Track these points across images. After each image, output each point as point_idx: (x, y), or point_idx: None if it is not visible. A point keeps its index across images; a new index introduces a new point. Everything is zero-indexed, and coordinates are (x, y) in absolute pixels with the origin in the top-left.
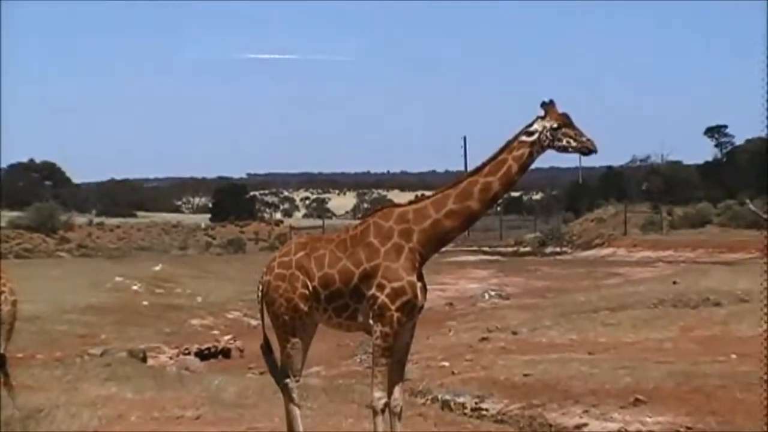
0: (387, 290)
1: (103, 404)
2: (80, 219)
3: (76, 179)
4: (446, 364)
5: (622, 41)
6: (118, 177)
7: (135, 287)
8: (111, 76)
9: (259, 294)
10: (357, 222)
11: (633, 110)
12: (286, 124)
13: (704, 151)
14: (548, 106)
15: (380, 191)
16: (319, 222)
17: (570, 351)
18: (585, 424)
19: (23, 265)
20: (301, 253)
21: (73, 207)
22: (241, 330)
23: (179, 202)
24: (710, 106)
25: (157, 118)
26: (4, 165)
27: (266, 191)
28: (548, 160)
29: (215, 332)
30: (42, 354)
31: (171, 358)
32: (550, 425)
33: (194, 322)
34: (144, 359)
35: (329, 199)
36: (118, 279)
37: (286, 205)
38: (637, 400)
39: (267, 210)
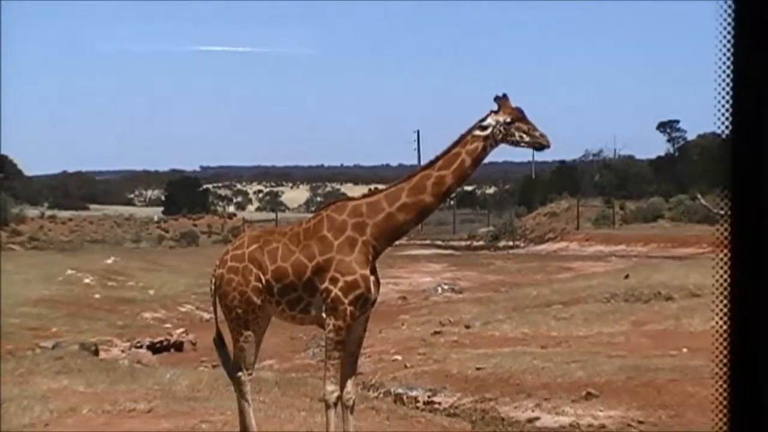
0: (340, 284)
1: (54, 397)
2: (32, 212)
3: (28, 172)
4: (399, 357)
5: (576, 36)
6: (71, 170)
7: (87, 280)
8: (67, 67)
9: (212, 287)
10: (310, 215)
11: (586, 105)
12: (240, 117)
13: (657, 146)
14: (502, 100)
15: (334, 185)
16: (272, 215)
17: (522, 345)
18: (537, 418)
19: None
20: (254, 246)
21: (24, 200)
22: (193, 323)
23: (132, 195)
24: (663, 101)
25: (110, 110)
26: None
27: (219, 184)
28: (501, 154)
29: (168, 325)
30: None
31: (123, 351)
32: (503, 419)
33: (147, 315)
34: (96, 352)
35: (282, 192)
36: (70, 272)
37: (240, 198)
38: (588, 393)
39: (220, 203)
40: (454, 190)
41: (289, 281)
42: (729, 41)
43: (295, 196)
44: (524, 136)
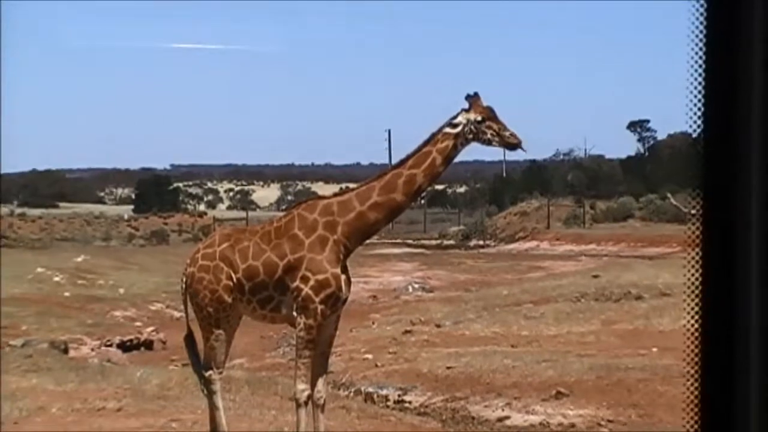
0: (311, 282)
1: (23, 396)
2: (1, 209)
3: None
4: (370, 356)
5: (546, 35)
6: (41, 168)
7: (57, 278)
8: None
9: (183, 286)
10: (281, 214)
11: (557, 104)
12: (211, 115)
13: (627, 146)
14: (473, 99)
15: (305, 183)
16: (243, 214)
17: (493, 344)
18: (507, 417)
19: None
20: (225, 245)
21: None
22: (164, 322)
23: (102, 193)
24: (633, 100)
25: (81, 107)
26: None
27: (190, 183)
28: (472, 153)
29: (138, 324)
30: None
31: (93, 349)
32: (473, 418)
33: (117, 313)
34: (66, 351)
35: (253, 190)
36: (39, 270)
37: (210, 197)
38: (559, 392)
39: (191, 201)
40: (425, 188)
41: (260, 280)
42: (700, 40)
43: (266, 194)
44: (495, 134)
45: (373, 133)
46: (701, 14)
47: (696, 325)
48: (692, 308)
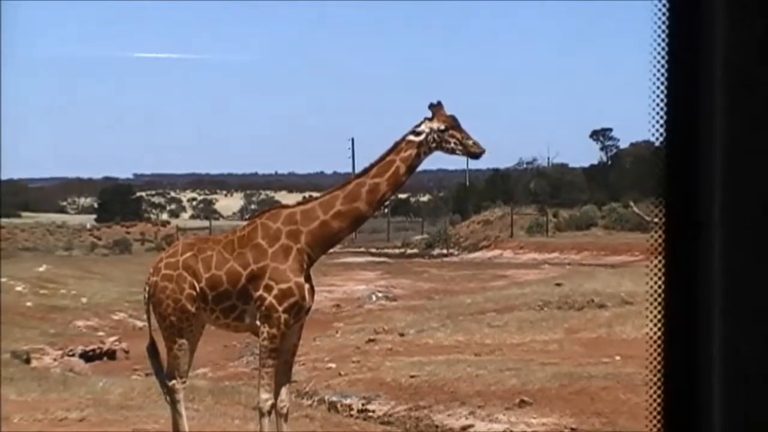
0: (274, 291)
1: None
2: None
3: None
4: (333, 365)
5: (509, 44)
6: (2, 177)
7: (19, 288)
8: None
9: (146, 295)
10: (245, 223)
11: (519, 113)
12: (174, 124)
13: (590, 154)
14: (436, 107)
15: (268, 192)
16: (206, 223)
17: (456, 352)
18: (471, 426)
19: None
20: (189, 254)
21: None
22: (126, 331)
23: (65, 203)
24: (596, 109)
25: (42, 117)
26: None
27: (153, 192)
28: (436, 162)
29: (100, 333)
30: None
31: (55, 359)
32: (437, 426)
33: (79, 323)
34: (27, 361)
35: (216, 200)
36: (1, 280)
37: (173, 206)
38: (522, 401)
39: (153, 211)
40: (389, 197)
41: (223, 289)
42: (662, 48)
43: (229, 203)
44: (458, 143)
45: (337, 142)
46: (662, 21)
47: (658, 333)
48: (654, 316)
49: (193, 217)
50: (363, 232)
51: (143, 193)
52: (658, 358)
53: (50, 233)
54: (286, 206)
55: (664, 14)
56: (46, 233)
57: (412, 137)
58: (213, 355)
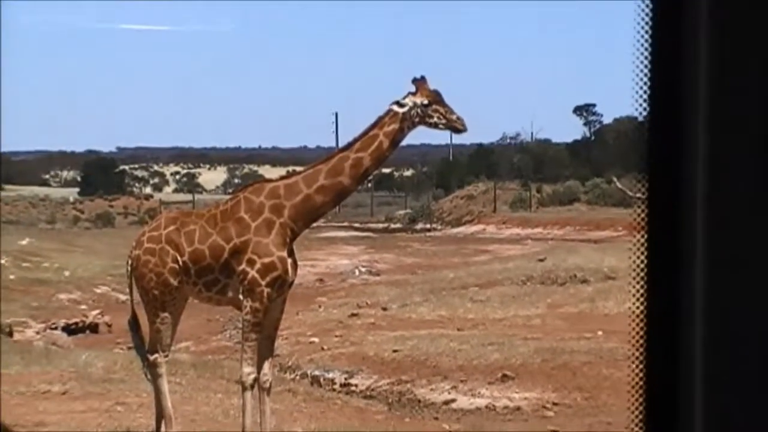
0: (257, 266)
1: None
2: None
3: None
4: (316, 340)
5: (492, 19)
6: None
7: (1, 261)
8: None
9: (129, 269)
10: (228, 197)
11: (503, 88)
12: (157, 97)
13: (573, 130)
14: (419, 82)
15: (251, 166)
16: (189, 197)
17: (439, 327)
18: (453, 400)
19: None
20: (171, 228)
21: None
22: (109, 305)
23: (47, 176)
24: (579, 84)
25: (25, 88)
26: None
27: (136, 165)
28: (419, 136)
29: (83, 307)
30: None
31: (38, 332)
32: (419, 401)
33: (62, 296)
34: (10, 334)
35: (200, 173)
36: None
37: (156, 180)
38: (504, 376)
39: (137, 184)
40: (372, 172)
41: (206, 263)
42: (645, 22)
43: (212, 177)
44: (441, 118)
45: (320, 116)
46: None
47: (641, 308)
48: (637, 291)
49: (176, 190)
50: (346, 207)
51: (126, 167)
52: (640, 333)
53: (33, 206)
54: (270, 180)
55: None
56: (29, 206)
57: (395, 110)
58: (196, 329)
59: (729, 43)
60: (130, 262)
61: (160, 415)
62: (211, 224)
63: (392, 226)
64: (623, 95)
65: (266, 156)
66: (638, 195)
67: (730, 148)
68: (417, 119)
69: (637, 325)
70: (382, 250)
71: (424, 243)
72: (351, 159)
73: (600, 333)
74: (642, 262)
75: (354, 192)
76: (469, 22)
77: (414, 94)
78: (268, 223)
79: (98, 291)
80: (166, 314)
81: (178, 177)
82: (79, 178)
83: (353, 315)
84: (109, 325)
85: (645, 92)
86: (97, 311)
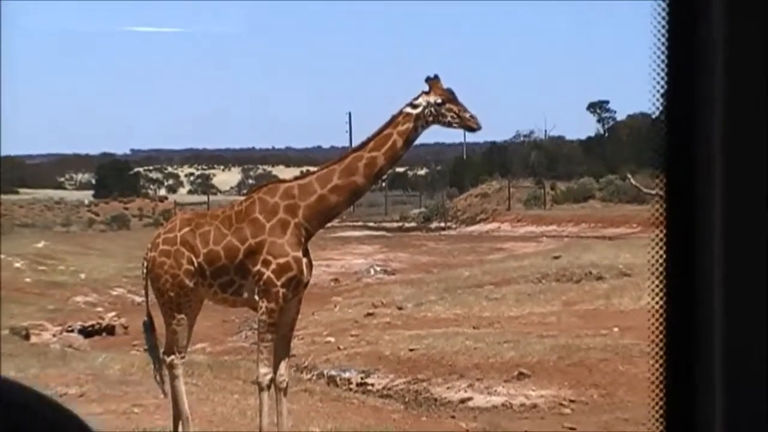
0: (272, 266)
1: None
2: None
3: None
4: (332, 339)
5: (505, 17)
6: (0, 154)
7: (17, 264)
8: None
9: (144, 270)
10: (242, 198)
11: (516, 85)
12: (170, 99)
13: (587, 127)
14: (432, 81)
15: (265, 167)
16: (204, 198)
17: (455, 326)
18: (470, 398)
19: None
20: (186, 229)
21: None
22: (125, 307)
23: (62, 179)
24: (592, 81)
25: (39, 92)
26: None
27: (150, 167)
28: (433, 135)
29: (99, 309)
30: None
31: (54, 335)
32: (435, 399)
33: (78, 299)
34: (27, 337)
35: (214, 175)
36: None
37: (171, 181)
38: (520, 373)
39: (151, 186)
40: (386, 171)
41: (221, 264)
42: (662, 18)
43: (226, 178)
44: (455, 116)
45: (334, 116)
46: None
47: (657, 305)
48: (654, 288)
49: (190, 192)
50: (360, 206)
51: (141, 169)
52: (657, 330)
53: (48, 209)
54: (284, 181)
55: None
56: (44, 209)
57: (409, 110)
58: (211, 330)
59: (744, 38)
60: (145, 263)
61: (177, 416)
62: (225, 225)
63: (406, 225)
64: (636, 92)
65: (280, 156)
66: (653, 191)
67: (746, 143)
68: (431, 118)
69: (655, 321)
70: (397, 249)
71: (439, 242)
72: (365, 158)
73: (616, 329)
74: (658, 257)
75: (368, 191)
76: (483, 20)
77: (427, 93)
78: (282, 223)
79: (114, 293)
80: (182, 316)
81: (192, 178)
82: (93, 181)
83: (369, 314)
84: (126, 327)
85: (659, 88)
86: (113, 313)
